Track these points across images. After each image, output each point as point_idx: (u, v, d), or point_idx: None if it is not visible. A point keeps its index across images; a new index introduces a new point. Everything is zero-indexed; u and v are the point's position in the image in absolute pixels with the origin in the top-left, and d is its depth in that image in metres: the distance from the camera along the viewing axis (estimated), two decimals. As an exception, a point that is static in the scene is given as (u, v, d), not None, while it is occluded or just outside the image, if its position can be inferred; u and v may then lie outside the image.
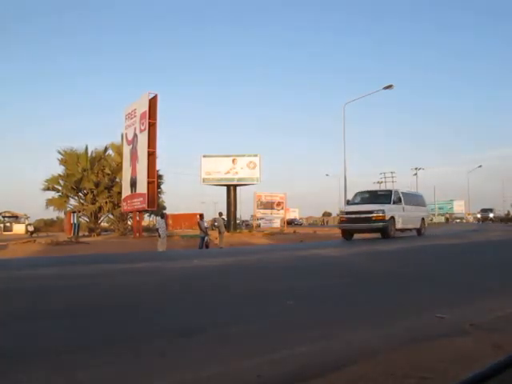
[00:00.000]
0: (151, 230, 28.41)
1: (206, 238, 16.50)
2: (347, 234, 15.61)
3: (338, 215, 75.45)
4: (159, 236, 16.18)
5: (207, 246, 16.38)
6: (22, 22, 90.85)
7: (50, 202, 28.93)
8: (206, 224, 17.57)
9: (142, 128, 23.43)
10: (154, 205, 23.26)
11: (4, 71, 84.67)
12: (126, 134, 25.97)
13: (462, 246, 11.56)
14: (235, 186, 31.73)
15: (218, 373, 2.09)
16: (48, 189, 29.20)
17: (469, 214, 75.79)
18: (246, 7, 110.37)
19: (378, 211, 14.37)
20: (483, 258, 8.07)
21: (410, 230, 16.93)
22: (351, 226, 15.10)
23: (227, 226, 27.58)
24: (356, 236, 15.94)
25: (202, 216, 17.79)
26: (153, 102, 23.28)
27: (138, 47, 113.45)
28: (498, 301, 3.79)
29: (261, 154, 31.75)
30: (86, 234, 28.63)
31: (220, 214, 19.29)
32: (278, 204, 33.58)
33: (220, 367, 2.16)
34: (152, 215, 34.74)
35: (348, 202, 17.15)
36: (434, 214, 75.69)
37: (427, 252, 10.12)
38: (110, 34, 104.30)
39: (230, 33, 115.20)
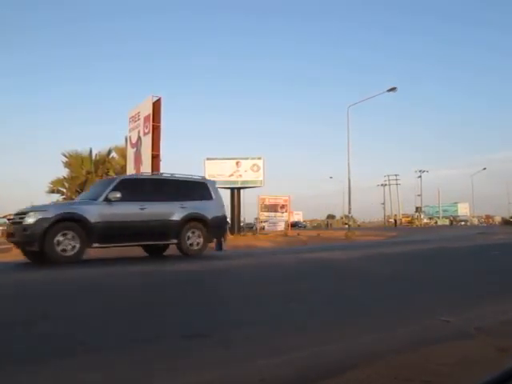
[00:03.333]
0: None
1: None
2: None
3: (341, 218, 75.60)
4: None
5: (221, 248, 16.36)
6: (26, 33, 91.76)
7: (54, 205, 29.04)
8: None
9: (146, 131, 23.47)
10: (158, 207, 23.26)
11: (5, 76, 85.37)
12: (130, 137, 26.04)
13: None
14: (239, 188, 31.68)
15: (220, 376, 2.07)
16: (53, 191, 29.35)
17: (473, 217, 75.42)
18: (248, 18, 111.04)
19: None
20: (485, 262, 8.02)
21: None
22: None
23: (231, 229, 27.54)
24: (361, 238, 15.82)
25: None
26: (157, 105, 23.32)
27: (142, 54, 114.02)
28: (501, 304, 3.76)
29: (264, 156, 31.78)
30: (90, 236, 28.68)
31: None
32: (282, 207, 33.55)
33: (221, 371, 2.15)
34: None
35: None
36: (438, 217, 75.46)
37: (431, 255, 10.07)
38: (115, 41, 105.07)
39: (232, 41, 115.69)
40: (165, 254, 10.14)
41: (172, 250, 9.86)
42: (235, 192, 31.70)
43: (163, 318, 3.45)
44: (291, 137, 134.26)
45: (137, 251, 10.51)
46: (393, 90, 24.87)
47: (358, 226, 67.18)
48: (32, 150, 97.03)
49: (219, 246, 16.32)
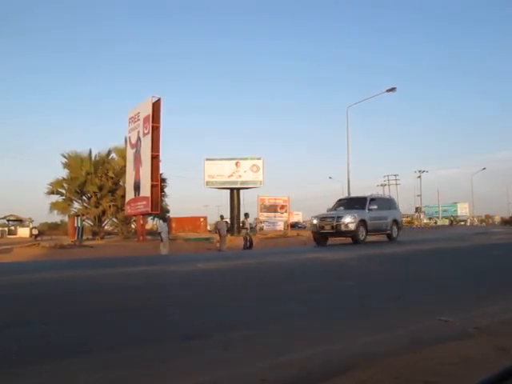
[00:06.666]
0: (155, 233, 28.47)
1: (247, 237, 16.55)
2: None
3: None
4: (161, 239, 16.24)
5: (251, 246, 16.32)
6: (26, 35, 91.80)
7: (53, 206, 29.01)
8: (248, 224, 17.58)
9: (146, 131, 23.51)
10: (158, 208, 23.28)
11: (6, 77, 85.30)
12: (130, 138, 26.06)
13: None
14: (238, 189, 31.69)
15: (221, 378, 2.07)
16: (52, 192, 29.28)
17: (473, 217, 75.48)
18: (248, 18, 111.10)
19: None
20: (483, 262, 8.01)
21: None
22: None
23: (231, 230, 27.56)
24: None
25: (247, 215, 17.84)
26: (156, 106, 23.37)
27: (142, 55, 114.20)
28: (501, 304, 3.76)
29: (264, 157, 31.78)
30: (90, 237, 28.69)
31: (221, 217, 19.17)
32: (282, 207, 33.61)
33: (222, 372, 2.14)
34: (155, 218, 34.86)
35: None
36: (438, 217, 75.48)
37: (431, 255, 10.07)
38: (115, 42, 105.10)
39: (232, 42, 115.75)
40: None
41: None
42: (235, 192, 31.72)
43: (163, 318, 3.45)
44: (291, 137, 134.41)
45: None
46: (392, 90, 24.89)
47: (358, 226, 67.05)
48: (31, 151, 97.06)
49: (248, 243, 16.46)
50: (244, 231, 16.83)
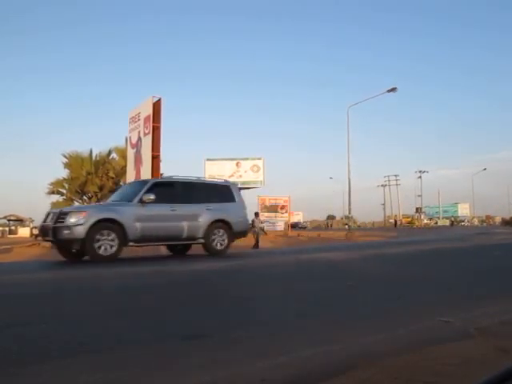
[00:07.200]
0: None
1: (256, 236, 16.60)
2: None
3: (342, 218, 75.60)
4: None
5: (257, 245, 16.36)
6: (26, 35, 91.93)
7: (54, 206, 29.01)
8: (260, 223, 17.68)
9: (146, 131, 23.47)
10: (158, 208, 23.28)
11: (6, 77, 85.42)
12: (130, 138, 26.03)
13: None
14: (239, 189, 31.71)
15: (221, 377, 2.07)
16: (53, 192, 29.34)
17: (473, 217, 75.47)
18: (248, 18, 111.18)
19: None
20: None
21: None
22: None
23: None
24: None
25: (257, 214, 17.90)
26: (157, 106, 23.32)
27: (143, 55, 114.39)
28: (501, 304, 3.75)
29: (264, 157, 31.83)
30: (90, 237, 28.69)
31: None
32: (282, 207, 33.58)
33: (222, 372, 2.14)
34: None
35: None
36: (438, 218, 75.46)
37: (431, 256, 10.06)
38: (115, 42, 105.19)
39: (232, 42, 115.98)
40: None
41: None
42: (235, 192, 31.64)
43: (163, 318, 3.44)
44: (291, 137, 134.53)
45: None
46: (393, 90, 24.90)
47: (358, 226, 67.24)
48: (31, 151, 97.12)
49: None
50: (253, 230, 16.83)
